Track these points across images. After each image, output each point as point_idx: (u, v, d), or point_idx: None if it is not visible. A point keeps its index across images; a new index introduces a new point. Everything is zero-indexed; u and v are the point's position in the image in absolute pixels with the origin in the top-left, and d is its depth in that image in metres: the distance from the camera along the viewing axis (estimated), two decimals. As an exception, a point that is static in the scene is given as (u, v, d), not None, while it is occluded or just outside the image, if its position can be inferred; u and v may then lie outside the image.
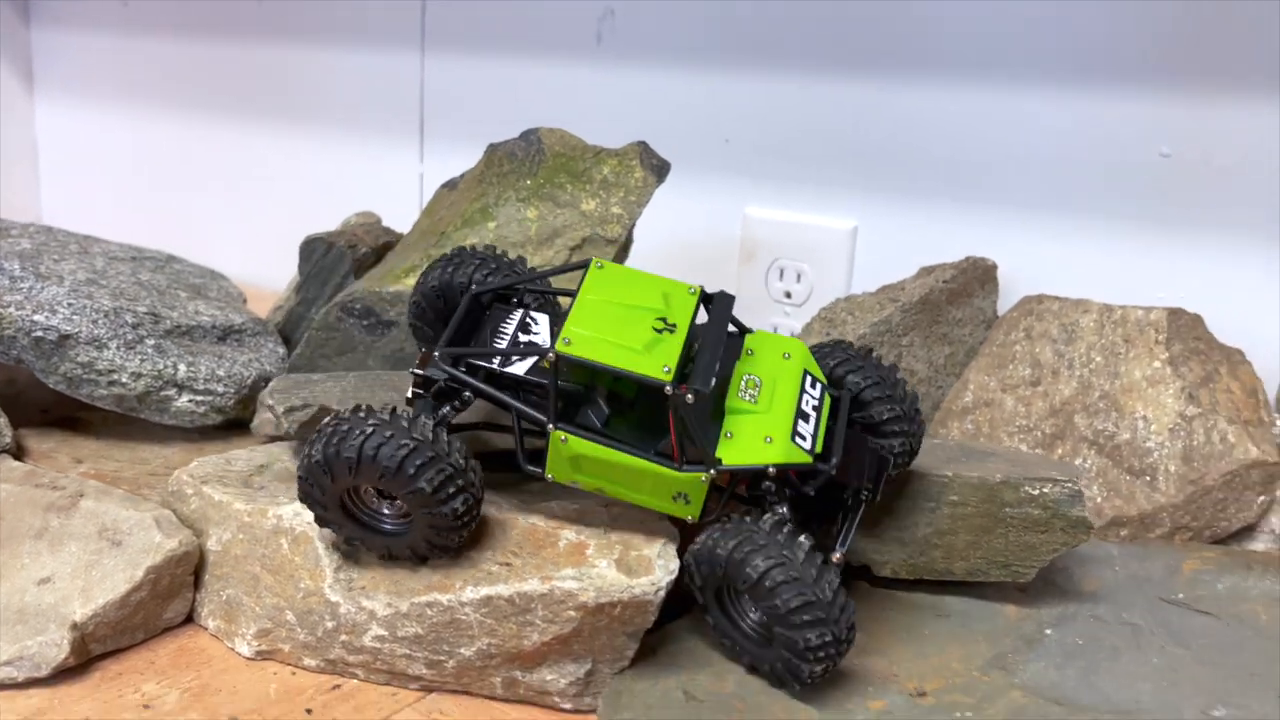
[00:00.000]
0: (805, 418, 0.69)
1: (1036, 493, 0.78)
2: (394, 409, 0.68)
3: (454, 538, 0.69)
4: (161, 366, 0.94)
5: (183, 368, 0.95)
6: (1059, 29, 1.13)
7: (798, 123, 1.32)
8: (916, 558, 0.79)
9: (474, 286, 0.77)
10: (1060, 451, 1.02)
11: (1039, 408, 1.05)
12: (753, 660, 0.69)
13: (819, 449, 0.68)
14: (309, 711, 0.69)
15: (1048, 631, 0.76)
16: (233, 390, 0.97)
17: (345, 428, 0.66)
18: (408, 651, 0.70)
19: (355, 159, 1.69)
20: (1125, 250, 1.13)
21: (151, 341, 0.96)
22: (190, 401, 0.95)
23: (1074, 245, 1.16)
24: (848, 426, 0.71)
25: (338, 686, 0.72)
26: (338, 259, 1.07)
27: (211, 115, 1.82)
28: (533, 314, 0.76)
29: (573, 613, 0.67)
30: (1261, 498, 0.94)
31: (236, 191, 1.83)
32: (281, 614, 0.73)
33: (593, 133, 1.07)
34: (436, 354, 0.71)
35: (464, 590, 0.68)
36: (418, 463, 0.65)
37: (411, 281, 0.98)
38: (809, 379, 0.72)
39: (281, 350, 1.06)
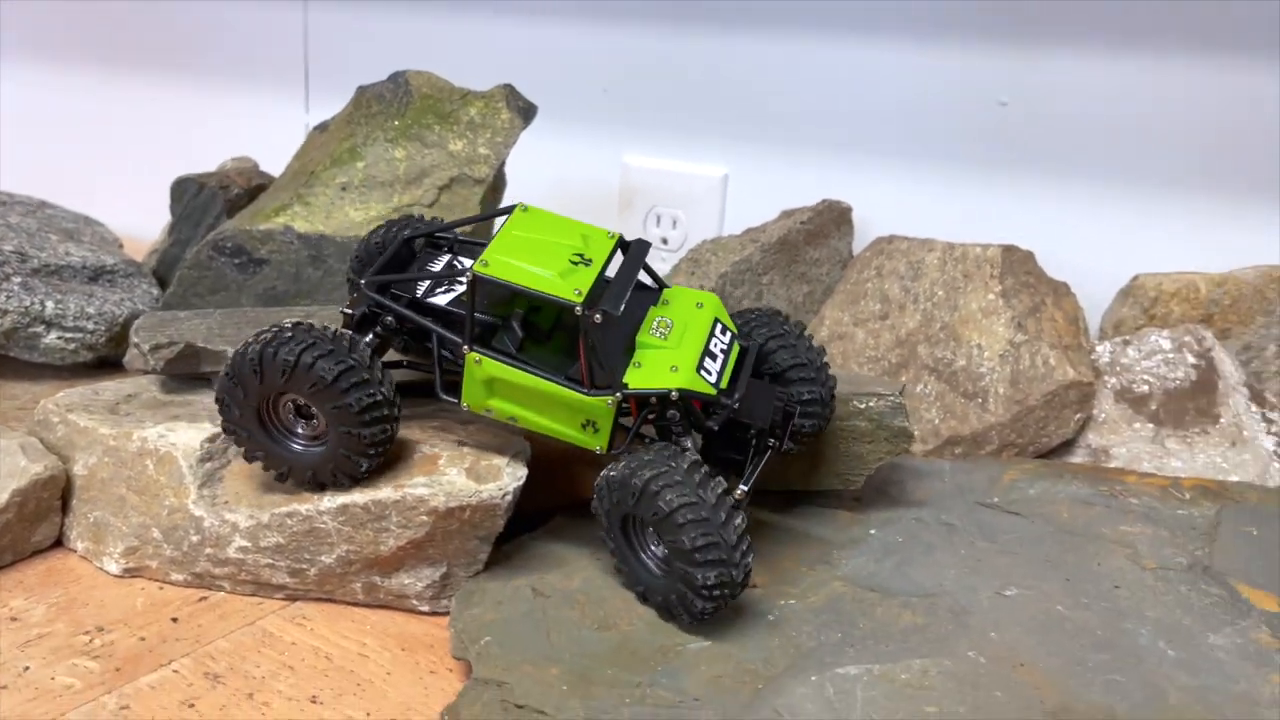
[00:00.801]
0: (713, 357, 0.72)
1: (863, 406, 0.85)
2: (335, 330, 0.71)
3: (361, 464, 0.71)
4: (29, 304, 0.95)
5: (50, 305, 0.96)
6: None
7: (673, 74, 1.37)
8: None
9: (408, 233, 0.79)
10: (904, 378, 1.09)
11: (886, 339, 1.13)
12: (646, 590, 0.70)
13: (724, 386, 0.71)
14: (175, 620, 0.73)
15: (872, 532, 0.83)
16: (104, 328, 0.99)
17: (288, 335, 0.69)
18: (270, 561, 0.74)
19: (242, 110, 1.69)
20: (968, 192, 1.21)
21: (18, 279, 0.96)
22: (59, 339, 0.96)
23: (923, 188, 1.23)
24: (756, 376, 0.75)
25: (205, 598, 0.76)
26: (209, 200, 1.08)
27: (100, 68, 1.79)
28: (460, 258, 0.78)
29: (425, 518, 0.71)
30: (1078, 415, 1.03)
31: (122, 144, 1.80)
32: (148, 531, 0.76)
33: (477, 83, 1.09)
34: (363, 281, 0.74)
35: (321, 500, 0.72)
36: (352, 380, 0.68)
37: (282, 220, 1.00)
38: (719, 326, 0.74)
39: (156, 291, 1.07)
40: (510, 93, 1.06)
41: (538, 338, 0.73)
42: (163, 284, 1.10)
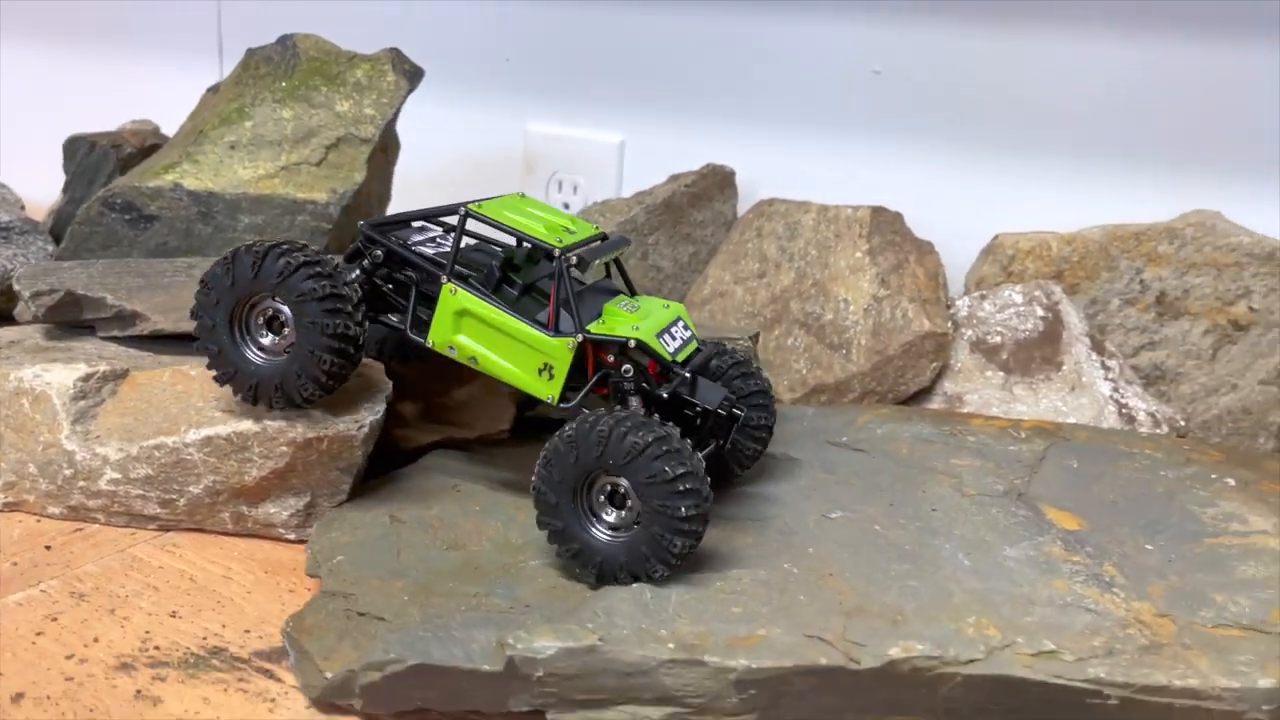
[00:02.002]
0: (672, 337, 0.76)
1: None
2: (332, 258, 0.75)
3: (326, 362, 0.72)
4: (-83, 257, 0.98)
5: (-60, 258, 0.99)
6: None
7: (572, 44, 1.41)
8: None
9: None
10: (776, 332, 1.16)
11: (762, 296, 1.19)
12: (603, 560, 0.68)
13: (679, 360, 0.75)
14: (48, 548, 0.77)
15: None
16: (-5, 282, 1.02)
17: (285, 247, 0.72)
18: (141, 492, 0.78)
19: (154, 76, 1.70)
20: (846, 157, 1.27)
21: (-91, 234, 0.99)
22: (-50, 291, 0.99)
23: (804, 153, 1.29)
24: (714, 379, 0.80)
25: (80, 529, 0.79)
26: (101, 158, 1.11)
27: (18, 36, 1.79)
28: (446, 237, 0.82)
29: (285, 448, 0.76)
30: (934, 364, 1.09)
31: (33, 110, 1.81)
32: (25, 467, 0.79)
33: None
34: (360, 223, 0.78)
35: (187, 432, 0.76)
36: (334, 308, 0.71)
37: (171, 178, 1.03)
38: (681, 322, 0.78)
39: (51, 247, 1.10)
40: (396, 56, 1.09)
41: (510, 296, 0.76)
42: (59, 242, 1.13)
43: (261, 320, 0.75)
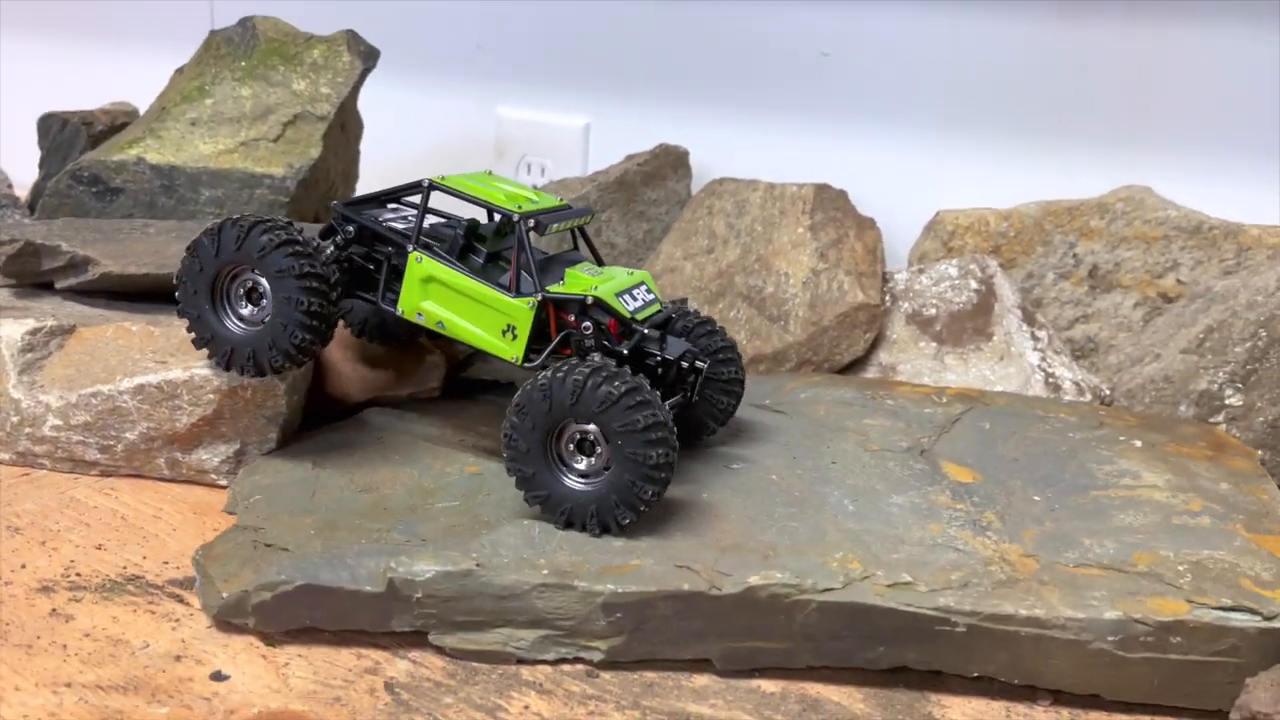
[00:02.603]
0: (633, 297, 0.79)
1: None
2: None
3: (298, 336, 0.75)
4: (-106, 225, 1.04)
5: (-84, 227, 1.04)
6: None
7: (540, 31, 1.46)
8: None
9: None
10: (720, 305, 1.19)
11: (709, 271, 1.22)
12: (572, 507, 0.70)
13: (640, 318, 0.77)
14: (-6, 490, 0.82)
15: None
16: (-31, 250, 1.07)
17: (269, 223, 0.75)
18: (81, 438, 0.83)
19: (153, 70, 1.76)
20: (797, 137, 1.31)
21: (-113, 204, 1.05)
22: (-75, 258, 1.05)
23: (757, 134, 1.33)
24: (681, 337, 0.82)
25: (27, 474, 0.85)
26: (74, 134, 1.17)
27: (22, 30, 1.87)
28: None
29: (211, 396, 0.80)
30: (868, 334, 1.12)
31: (31, 100, 1.88)
32: (-23, 415, 0.85)
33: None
34: (333, 203, 0.83)
35: (121, 381, 0.81)
36: (311, 285, 0.75)
37: (135, 152, 1.09)
38: (644, 286, 0.81)
39: (28, 221, 1.15)
40: (352, 37, 1.14)
41: (475, 264, 0.80)
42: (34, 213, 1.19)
43: (242, 291, 0.78)
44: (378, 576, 0.65)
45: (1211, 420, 1.00)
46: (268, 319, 0.77)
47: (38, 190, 1.20)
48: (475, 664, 0.66)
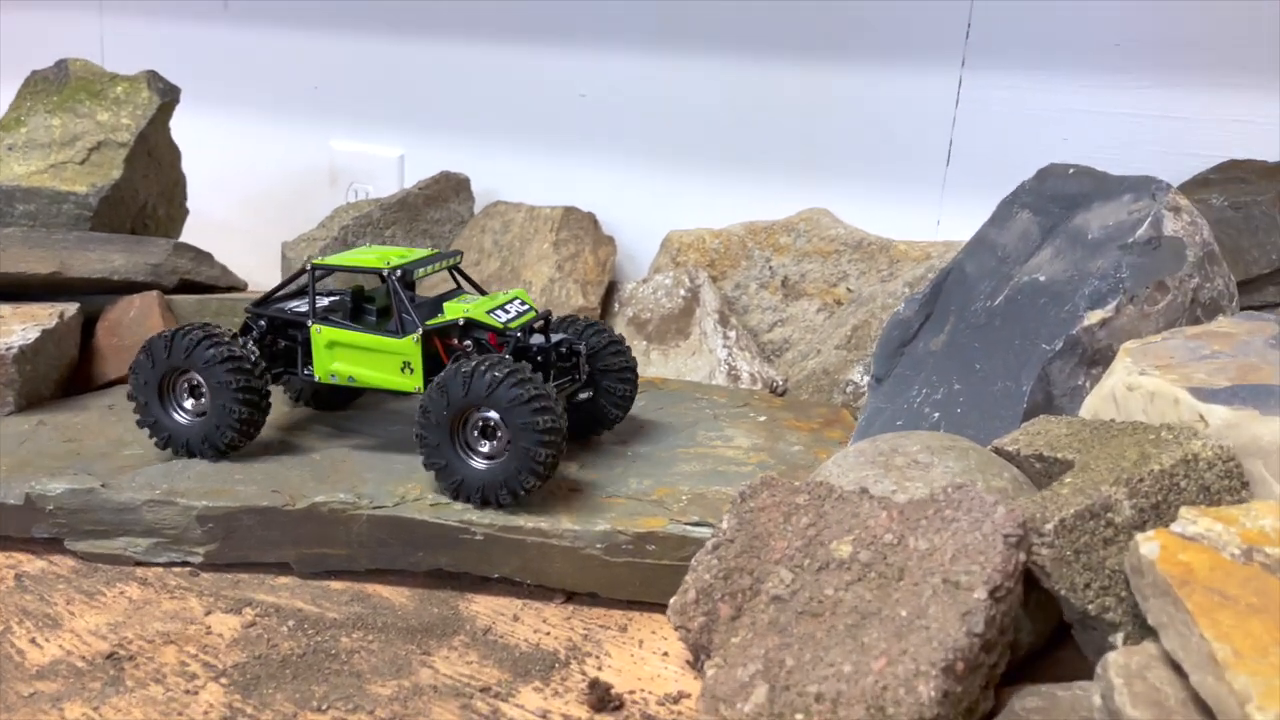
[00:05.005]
0: (505, 311, 0.89)
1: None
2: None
3: (228, 434, 0.87)
4: None
5: None
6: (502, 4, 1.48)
7: (365, 72, 1.65)
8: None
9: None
10: (474, 309, 1.36)
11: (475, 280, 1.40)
12: (484, 485, 0.79)
13: (513, 326, 0.88)
14: None
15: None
16: None
17: (188, 328, 0.88)
18: None
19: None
20: (562, 165, 1.49)
21: None
22: None
23: (529, 162, 1.51)
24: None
25: None
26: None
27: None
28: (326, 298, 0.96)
29: (-48, 363, 0.98)
30: (588, 334, 1.29)
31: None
32: None
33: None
34: (245, 307, 0.96)
35: (-120, 351, 0.99)
36: (235, 367, 0.87)
37: (-43, 172, 1.27)
38: (519, 300, 0.92)
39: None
40: (152, 76, 1.33)
41: (369, 322, 0.93)
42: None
43: (185, 389, 0.90)
44: (21, 493, 0.82)
45: (856, 404, 1.17)
46: (204, 414, 0.89)
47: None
48: (101, 565, 0.82)
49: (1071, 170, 0.96)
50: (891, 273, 1.23)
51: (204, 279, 1.26)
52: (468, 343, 0.88)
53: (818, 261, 1.28)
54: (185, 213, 1.48)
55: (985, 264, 0.97)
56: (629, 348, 0.98)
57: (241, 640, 0.73)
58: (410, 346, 0.87)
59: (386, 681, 0.69)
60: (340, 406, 1.06)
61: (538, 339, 0.90)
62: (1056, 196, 0.96)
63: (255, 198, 1.79)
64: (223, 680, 0.68)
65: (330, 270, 0.93)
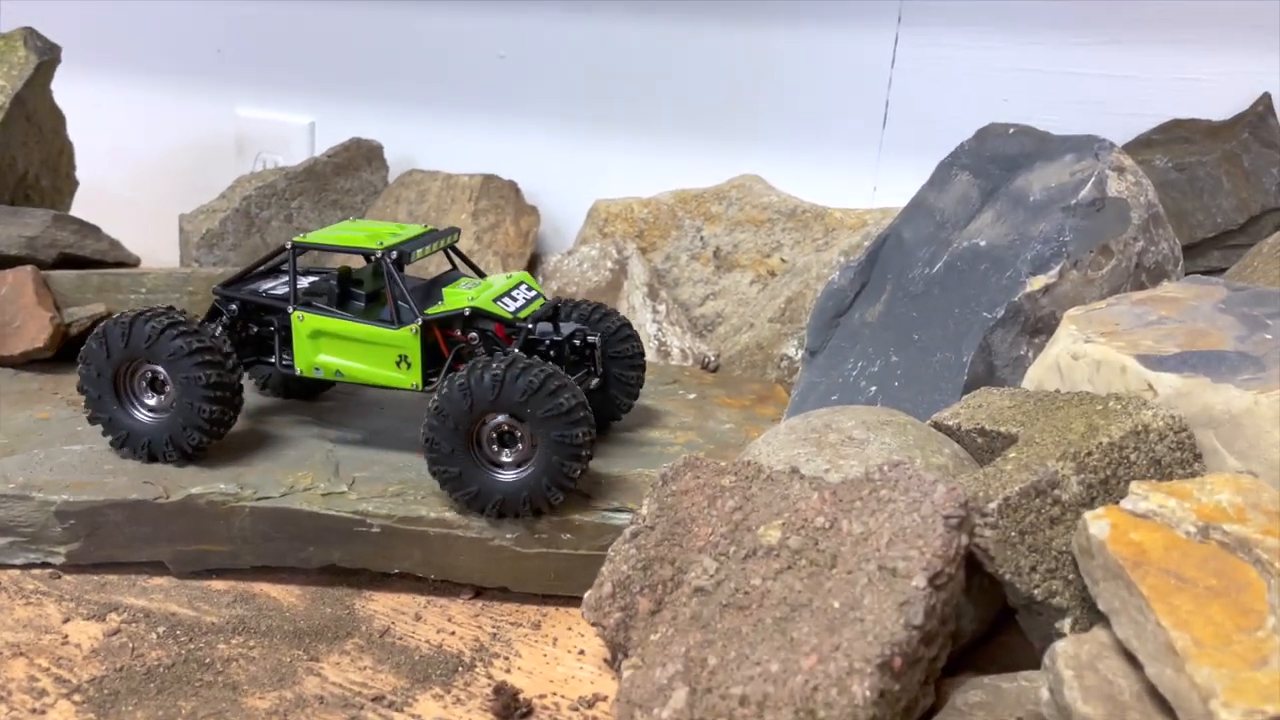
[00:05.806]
0: (513, 299, 0.80)
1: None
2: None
3: (195, 437, 0.77)
4: None
5: None
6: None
7: (274, 36, 1.55)
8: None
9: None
10: (388, 284, 1.28)
11: (385, 253, 1.31)
12: (504, 498, 0.71)
13: (522, 316, 0.79)
14: None
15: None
16: None
17: (148, 313, 0.77)
18: None
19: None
20: (480, 131, 1.41)
21: None
22: None
23: (446, 129, 1.43)
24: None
25: None
26: None
27: None
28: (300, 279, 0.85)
29: None
30: (509, 309, 1.22)
31: None
32: None
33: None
34: (213, 287, 0.83)
35: None
36: (206, 357, 0.76)
37: None
38: (524, 285, 0.83)
39: None
40: (29, 33, 1.22)
41: (357, 309, 0.81)
42: None
43: (144, 383, 0.79)
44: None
45: (791, 380, 1.11)
46: (168, 412, 0.78)
47: None
48: (-47, 568, 0.73)
49: (1012, 130, 0.91)
50: (827, 242, 1.17)
51: (89, 253, 1.16)
52: (473, 335, 0.78)
53: (750, 231, 1.22)
54: (74, 184, 1.37)
55: (923, 229, 0.91)
56: (637, 332, 0.89)
57: (102, 651, 0.65)
58: (408, 339, 0.77)
59: (266, 693, 0.62)
60: (311, 395, 0.94)
61: (544, 327, 0.81)
62: (997, 157, 0.90)
63: (153, 168, 1.68)
64: (75, 697, 0.60)
65: (308, 249, 0.81)
